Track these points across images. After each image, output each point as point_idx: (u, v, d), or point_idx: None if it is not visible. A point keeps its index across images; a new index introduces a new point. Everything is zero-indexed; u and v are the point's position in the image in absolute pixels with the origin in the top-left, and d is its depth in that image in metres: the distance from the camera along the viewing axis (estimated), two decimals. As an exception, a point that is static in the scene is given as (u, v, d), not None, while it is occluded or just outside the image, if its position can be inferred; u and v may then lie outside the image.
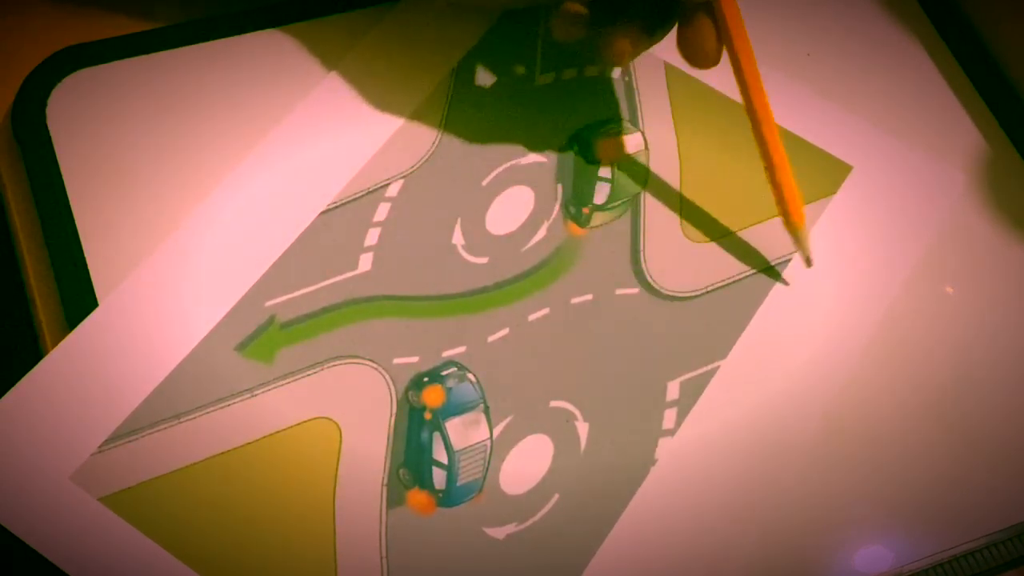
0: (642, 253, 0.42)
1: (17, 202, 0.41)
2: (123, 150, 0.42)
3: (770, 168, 0.40)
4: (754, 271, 0.42)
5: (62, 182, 0.41)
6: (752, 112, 0.40)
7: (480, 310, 0.40)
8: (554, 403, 0.39)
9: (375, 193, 0.42)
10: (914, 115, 0.46)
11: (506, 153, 0.44)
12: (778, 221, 0.43)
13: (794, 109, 0.45)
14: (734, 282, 0.42)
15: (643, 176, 0.44)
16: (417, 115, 0.44)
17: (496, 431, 0.39)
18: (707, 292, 0.41)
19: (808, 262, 0.41)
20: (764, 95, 0.40)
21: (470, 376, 0.39)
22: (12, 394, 0.37)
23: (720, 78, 0.45)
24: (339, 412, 0.38)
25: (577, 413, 0.39)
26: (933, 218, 0.43)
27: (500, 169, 0.43)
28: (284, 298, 0.40)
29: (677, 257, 0.42)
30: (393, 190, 0.42)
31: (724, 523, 0.37)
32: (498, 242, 0.42)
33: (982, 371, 0.41)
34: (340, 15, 0.46)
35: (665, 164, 0.44)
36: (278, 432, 0.38)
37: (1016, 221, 0.44)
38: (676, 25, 0.40)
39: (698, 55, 0.39)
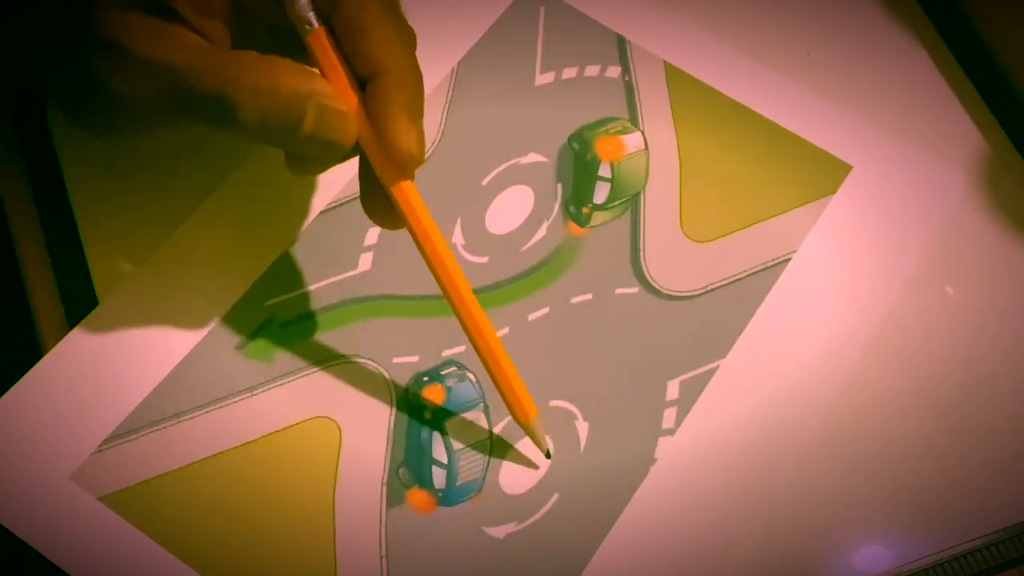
0: (642, 252, 0.42)
1: (17, 202, 0.41)
2: (123, 150, 0.42)
3: (485, 366, 0.36)
4: (754, 270, 0.42)
5: (62, 182, 0.41)
6: (455, 311, 0.36)
7: (480, 309, 0.40)
8: (554, 402, 0.39)
9: (375, 193, 0.42)
10: (914, 115, 0.46)
11: (506, 153, 0.44)
12: (779, 220, 0.43)
13: (794, 109, 0.45)
14: (734, 281, 0.42)
15: (643, 176, 0.44)
16: (417, 115, 0.44)
17: (496, 430, 0.39)
18: (707, 291, 0.41)
19: (547, 455, 0.38)
20: (462, 292, 0.35)
21: (470, 375, 0.39)
22: (12, 393, 0.37)
23: (720, 78, 0.46)
24: (339, 411, 0.38)
25: (577, 412, 0.39)
26: (933, 218, 0.43)
27: (500, 169, 0.43)
28: (284, 297, 0.40)
29: (677, 256, 0.42)
30: (393, 190, 0.42)
31: (724, 522, 0.37)
32: (498, 241, 0.42)
33: (982, 371, 0.41)
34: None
35: (665, 164, 0.44)
36: (278, 431, 0.38)
37: (1016, 221, 0.44)
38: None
39: (374, 217, 0.36)
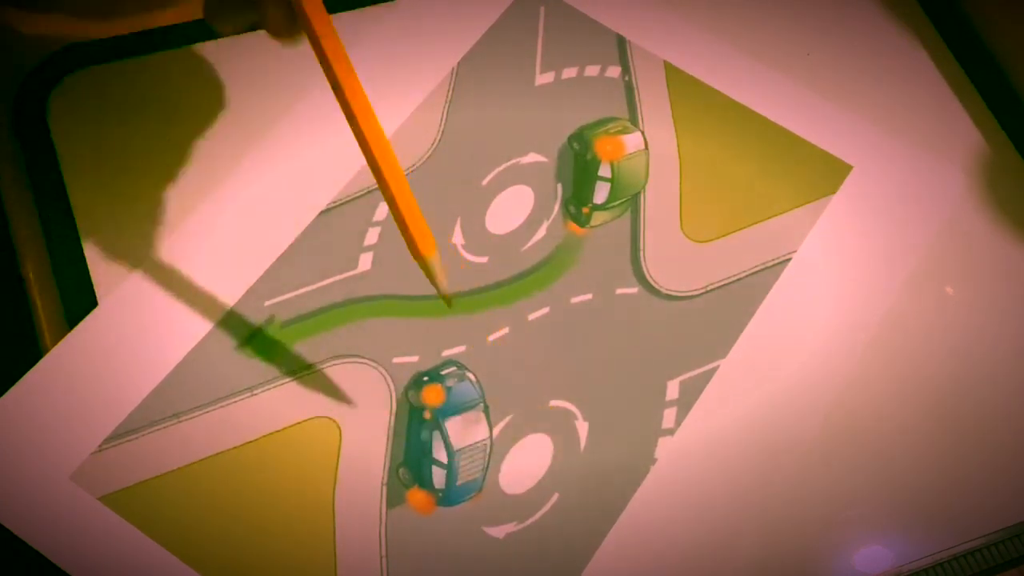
0: (642, 252, 0.42)
1: (17, 202, 0.41)
2: (123, 150, 0.42)
3: (387, 198, 0.34)
4: (754, 270, 0.42)
5: (62, 182, 0.41)
6: (358, 136, 0.33)
7: (480, 309, 0.40)
8: (554, 402, 0.39)
9: (375, 192, 0.42)
10: (914, 115, 0.46)
11: (506, 153, 0.44)
12: (779, 220, 0.43)
13: (794, 109, 0.45)
14: (734, 281, 0.42)
15: (643, 176, 0.44)
16: (417, 115, 0.44)
17: (496, 430, 0.39)
18: (707, 291, 0.41)
19: (447, 301, 0.36)
20: (369, 116, 0.33)
21: (470, 375, 0.39)
22: (12, 394, 0.37)
23: (720, 78, 0.46)
24: (339, 411, 0.38)
25: (577, 412, 0.39)
26: (933, 218, 0.43)
27: (500, 169, 0.43)
28: (284, 297, 0.40)
29: (677, 256, 0.42)
30: (393, 190, 0.42)
31: (724, 522, 0.37)
32: (498, 241, 0.42)
33: (982, 371, 0.41)
34: (340, 14, 0.46)
35: (665, 164, 0.44)
36: (278, 431, 0.38)
37: (1016, 221, 0.44)
38: None
39: (268, 26, 0.33)
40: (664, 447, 0.38)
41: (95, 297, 0.39)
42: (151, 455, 0.37)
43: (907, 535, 0.38)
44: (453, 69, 0.45)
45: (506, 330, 0.40)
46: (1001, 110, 0.46)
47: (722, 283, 0.42)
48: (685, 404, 0.39)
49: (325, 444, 0.38)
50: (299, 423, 0.38)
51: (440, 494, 0.37)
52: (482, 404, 0.39)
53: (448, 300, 0.36)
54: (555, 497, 0.38)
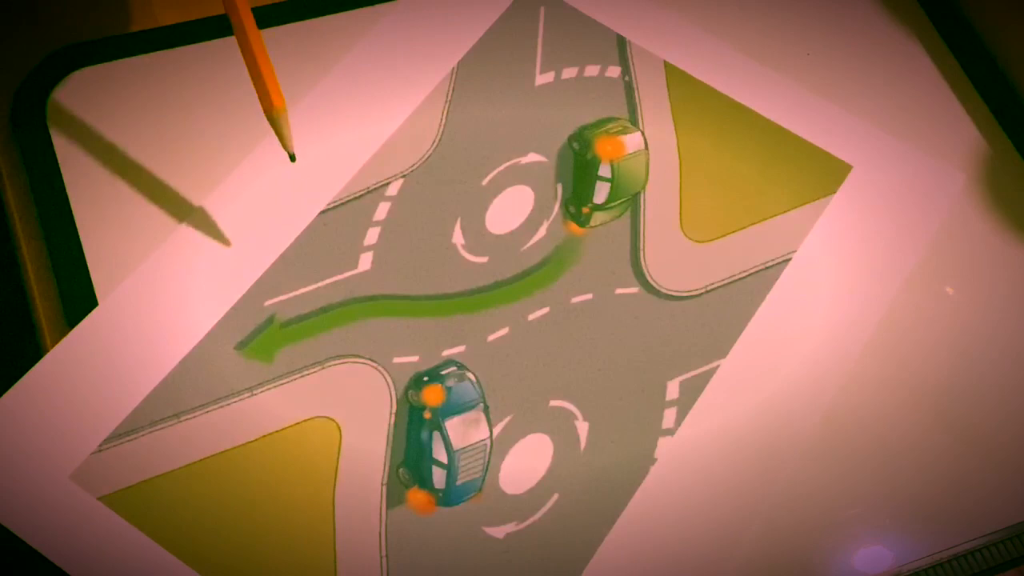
0: (642, 253, 0.42)
1: (17, 202, 0.41)
2: (123, 150, 0.42)
3: (245, 54, 0.36)
4: (754, 270, 0.42)
5: (62, 182, 0.41)
6: None
7: (480, 309, 0.40)
8: (554, 402, 0.39)
9: (375, 192, 0.42)
10: (914, 115, 0.46)
11: (506, 153, 0.44)
12: (779, 220, 0.43)
13: (794, 109, 0.45)
14: (734, 281, 0.42)
15: (643, 176, 0.44)
16: (417, 115, 0.44)
17: (496, 430, 0.39)
18: (707, 291, 0.41)
19: (291, 157, 0.38)
20: None
21: (470, 375, 0.39)
22: (12, 393, 0.37)
23: (720, 78, 0.46)
24: (339, 411, 0.38)
25: (577, 412, 0.39)
26: (933, 218, 0.43)
27: (500, 169, 0.43)
28: (284, 297, 0.40)
29: (677, 256, 0.42)
30: (393, 189, 0.42)
31: (724, 522, 0.37)
32: (498, 241, 0.42)
33: (982, 371, 0.41)
34: (340, 14, 0.46)
35: (665, 164, 0.44)
36: (278, 431, 0.38)
37: (1016, 221, 0.44)
38: None
39: None
40: (664, 447, 0.38)
41: (95, 297, 0.39)
42: (151, 455, 0.37)
43: (907, 535, 0.38)
44: (453, 69, 0.45)
45: (506, 330, 0.40)
46: (1001, 110, 0.46)
47: (722, 283, 0.42)
48: (685, 404, 0.39)
49: (325, 444, 0.38)
50: (299, 423, 0.38)
51: (440, 494, 0.37)
52: (482, 404, 0.39)
53: (292, 156, 0.37)
54: (555, 497, 0.38)
